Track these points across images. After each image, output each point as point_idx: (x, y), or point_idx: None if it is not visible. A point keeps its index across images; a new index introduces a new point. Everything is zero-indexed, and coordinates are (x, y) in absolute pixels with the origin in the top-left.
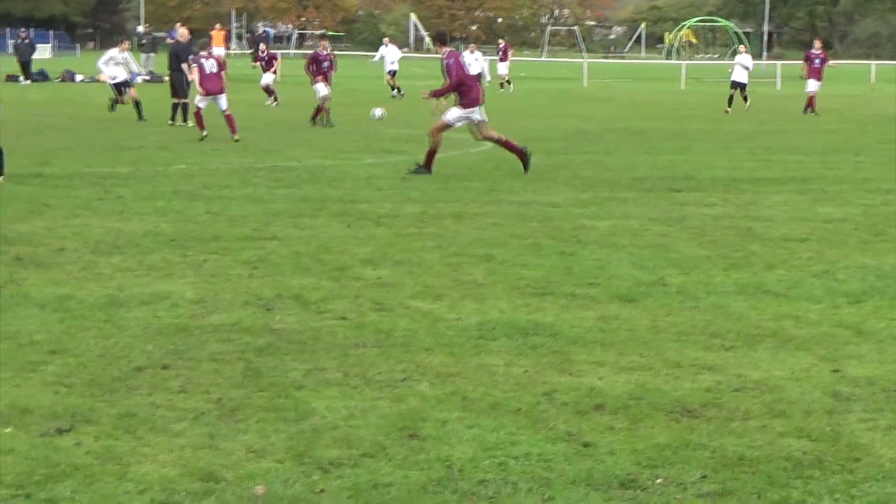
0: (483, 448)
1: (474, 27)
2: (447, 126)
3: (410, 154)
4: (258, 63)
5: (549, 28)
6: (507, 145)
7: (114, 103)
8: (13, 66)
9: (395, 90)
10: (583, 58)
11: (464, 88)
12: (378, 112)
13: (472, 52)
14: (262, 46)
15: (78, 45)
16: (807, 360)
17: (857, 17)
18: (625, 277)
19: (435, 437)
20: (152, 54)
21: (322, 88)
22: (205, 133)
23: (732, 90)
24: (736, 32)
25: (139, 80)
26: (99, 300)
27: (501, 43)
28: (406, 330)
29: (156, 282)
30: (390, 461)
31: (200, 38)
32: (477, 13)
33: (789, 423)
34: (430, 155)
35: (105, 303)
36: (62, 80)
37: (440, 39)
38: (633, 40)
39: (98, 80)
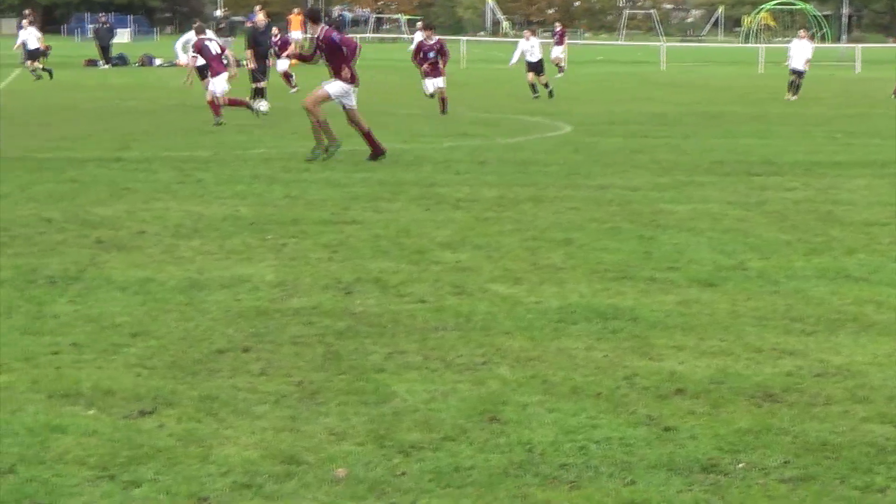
0: (564, 432)
1: (552, 10)
2: (327, 97)
3: (488, 137)
4: (273, 48)
5: (626, 11)
6: (368, 137)
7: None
8: (93, 50)
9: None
10: (660, 41)
11: (352, 63)
12: (264, 106)
13: (527, 38)
14: (274, 30)
15: (156, 30)
16: (889, 346)
17: None
18: (704, 262)
19: (515, 420)
20: (230, 38)
21: (428, 85)
22: (221, 120)
23: (793, 76)
24: (815, 16)
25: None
26: (180, 283)
27: (558, 27)
28: (485, 313)
29: (236, 265)
30: (471, 444)
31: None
32: None
33: (872, 408)
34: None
35: (186, 286)
36: (141, 65)
37: (313, 18)
38: (710, 24)
39: (176, 64)
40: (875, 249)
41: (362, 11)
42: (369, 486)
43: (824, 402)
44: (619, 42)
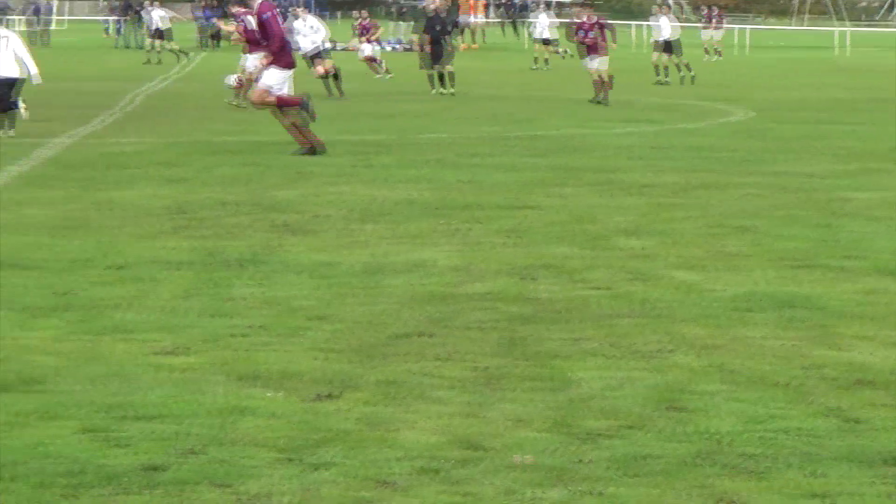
0: (747, 421)
1: None
2: (269, 91)
3: (661, 123)
4: (357, 31)
5: None
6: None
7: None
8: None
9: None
10: (836, 25)
11: (286, 46)
12: (232, 79)
13: (657, 15)
14: (363, 13)
15: (332, 14)
16: None
17: None
18: (888, 250)
19: (698, 409)
20: (412, 23)
21: (588, 63)
22: (237, 103)
23: None
24: None
25: (389, 48)
26: (358, 267)
27: (713, 9)
28: (665, 300)
29: (413, 249)
30: (653, 433)
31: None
32: None
33: None
34: (296, 129)
35: (364, 269)
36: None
37: None
38: (885, 8)
39: (349, 49)
40: None
41: None
42: (552, 472)
43: None
44: (794, 27)
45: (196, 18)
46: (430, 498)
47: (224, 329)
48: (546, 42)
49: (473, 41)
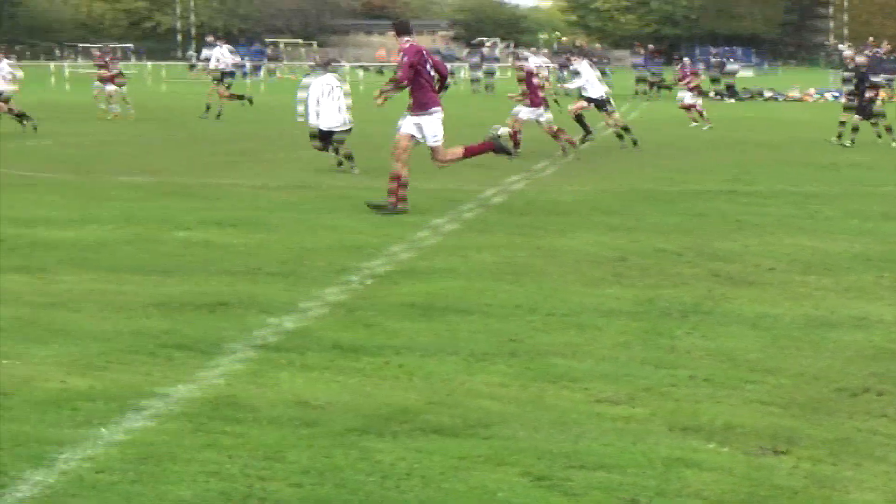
0: None
1: None
2: (410, 141)
3: None
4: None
5: None
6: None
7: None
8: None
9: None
10: None
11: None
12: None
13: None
14: (685, 60)
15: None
16: None
17: None
18: None
19: None
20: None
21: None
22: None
23: None
24: None
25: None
26: (803, 320)
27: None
28: None
29: (859, 303)
30: None
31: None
32: None
33: None
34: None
35: (808, 323)
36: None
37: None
38: None
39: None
40: None
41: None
42: None
43: None
44: None
45: (635, 67)
46: None
47: (666, 379)
48: None
49: None
